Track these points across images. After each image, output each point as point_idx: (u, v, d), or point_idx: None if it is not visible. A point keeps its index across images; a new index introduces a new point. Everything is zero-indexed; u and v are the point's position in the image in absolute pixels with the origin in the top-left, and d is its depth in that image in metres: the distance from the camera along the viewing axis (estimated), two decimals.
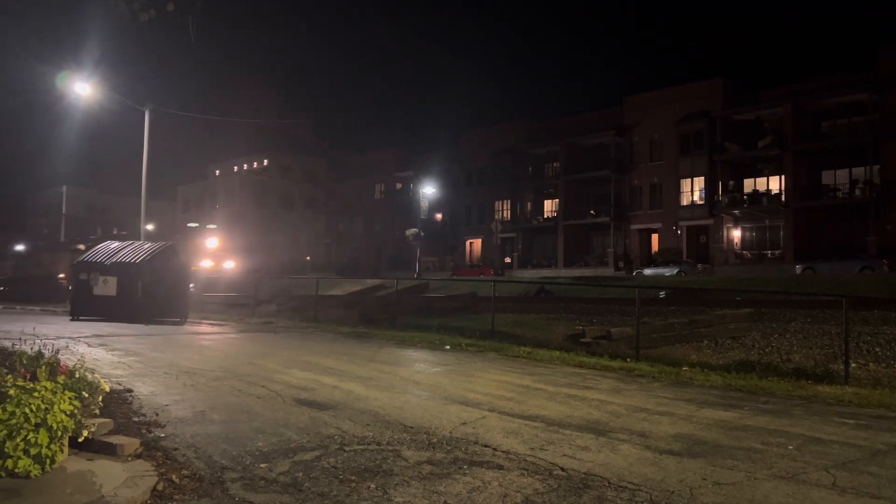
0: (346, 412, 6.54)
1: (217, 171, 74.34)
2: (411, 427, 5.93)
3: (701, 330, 12.94)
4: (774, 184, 38.46)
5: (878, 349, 10.47)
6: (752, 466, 4.78)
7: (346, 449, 5.17)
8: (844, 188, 35.77)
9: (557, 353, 11.48)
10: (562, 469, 4.69)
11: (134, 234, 27.42)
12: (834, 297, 12.14)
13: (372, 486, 4.30)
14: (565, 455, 5.05)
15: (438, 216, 55.98)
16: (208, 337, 15.04)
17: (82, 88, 23.68)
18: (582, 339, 12.36)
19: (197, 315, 21.90)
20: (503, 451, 5.14)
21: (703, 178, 39.91)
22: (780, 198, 37.42)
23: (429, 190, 50.36)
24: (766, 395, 7.87)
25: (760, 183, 39.20)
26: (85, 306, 19.43)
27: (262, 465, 4.72)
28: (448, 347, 12.60)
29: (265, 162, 70.28)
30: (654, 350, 11.44)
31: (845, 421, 6.37)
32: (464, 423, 6.09)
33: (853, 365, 9.33)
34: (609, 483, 4.39)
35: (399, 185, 60.60)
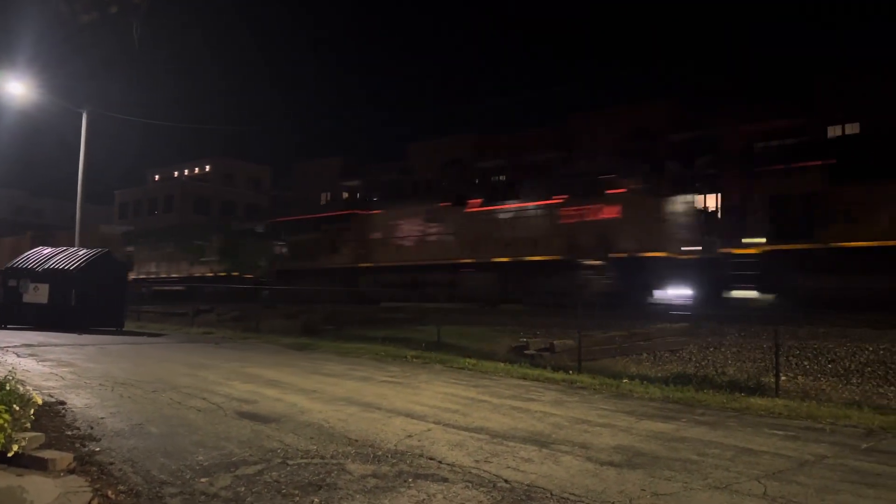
0: (289, 425, 6.46)
1: (157, 176, 72.47)
2: (356, 440, 5.90)
3: (640, 343, 13.26)
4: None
5: (806, 363, 10.91)
6: (689, 477, 4.93)
7: (290, 463, 5.10)
8: None
9: (502, 364, 11.59)
10: (506, 481, 4.75)
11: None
12: (765, 312, 12.66)
13: (316, 500, 4.26)
14: (509, 467, 5.11)
15: None
16: (146, 347, 14.60)
17: (15, 88, 22.82)
18: (526, 352, 12.51)
19: (134, 324, 21.25)
20: (448, 464, 5.17)
21: None
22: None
23: (376, 200, 50.20)
24: (702, 407, 8.11)
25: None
26: (13, 315, 18.61)
27: (203, 480, 4.62)
28: (393, 359, 12.57)
29: (207, 168, 68.86)
30: (595, 362, 11.65)
31: (776, 432, 6.63)
32: (409, 436, 6.09)
33: (783, 378, 9.70)
34: (552, 495, 4.46)
35: (346, 195, 60.20)
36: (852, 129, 33.53)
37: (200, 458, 5.17)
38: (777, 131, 37.70)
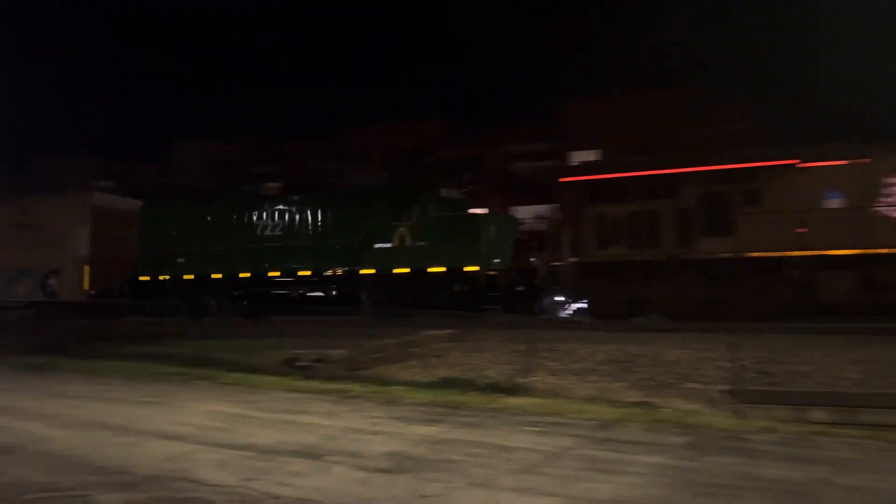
0: (22, 456, 5.69)
1: None
2: (103, 468, 5.34)
3: (411, 350, 13.65)
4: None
5: (555, 364, 12.02)
6: (453, 477, 5.17)
7: (24, 498, 4.48)
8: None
9: (273, 378, 11.24)
10: (275, 497, 4.61)
11: None
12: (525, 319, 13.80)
13: None
14: (279, 483, 4.97)
15: None
16: None
17: None
18: (297, 363, 12.26)
19: None
20: (211, 485, 4.88)
21: None
22: None
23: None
24: (466, 408, 8.56)
25: None
26: None
27: None
28: (149, 377, 11.61)
29: None
30: (367, 371, 11.77)
31: (529, 429, 7.21)
32: (168, 459, 5.65)
33: (536, 378, 10.59)
34: None
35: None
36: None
37: None
38: (534, 154, 41.52)
